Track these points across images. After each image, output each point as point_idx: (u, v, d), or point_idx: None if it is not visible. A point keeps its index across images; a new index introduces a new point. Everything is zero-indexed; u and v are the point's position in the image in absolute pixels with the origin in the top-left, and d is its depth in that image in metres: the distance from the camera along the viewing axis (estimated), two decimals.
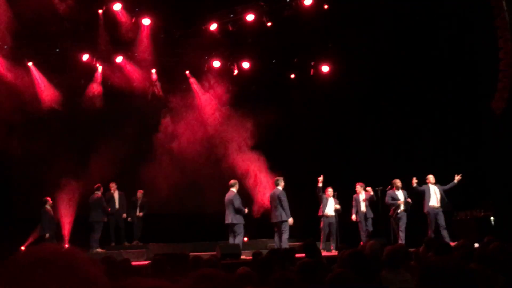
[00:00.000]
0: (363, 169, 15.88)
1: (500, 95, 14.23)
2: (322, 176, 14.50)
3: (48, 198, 14.45)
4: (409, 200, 14.17)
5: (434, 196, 13.99)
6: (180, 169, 16.25)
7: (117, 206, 15.54)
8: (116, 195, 15.59)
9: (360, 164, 16.14)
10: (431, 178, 14.10)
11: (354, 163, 16.26)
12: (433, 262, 2.64)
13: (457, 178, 13.80)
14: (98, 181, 15.07)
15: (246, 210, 13.57)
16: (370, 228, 14.72)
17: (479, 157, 14.70)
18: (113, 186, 15.54)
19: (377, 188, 14.84)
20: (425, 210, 14.01)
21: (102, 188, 15.05)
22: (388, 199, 14.24)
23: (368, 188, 14.85)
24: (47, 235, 14.12)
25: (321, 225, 14.85)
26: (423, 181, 14.31)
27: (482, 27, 14.60)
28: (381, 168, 15.25)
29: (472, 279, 2.56)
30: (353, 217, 14.82)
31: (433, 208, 13.91)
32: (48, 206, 14.32)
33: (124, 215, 15.66)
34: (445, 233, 13.65)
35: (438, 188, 14.04)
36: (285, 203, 13.29)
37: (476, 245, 8.38)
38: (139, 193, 16.20)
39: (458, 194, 14.06)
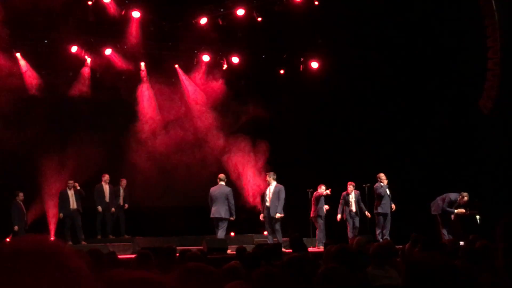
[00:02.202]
0: (352, 165, 15.93)
1: (487, 94, 14.30)
2: (330, 190, 14.61)
3: (20, 192, 14.27)
4: (393, 206, 14.34)
5: None
6: (166, 161, 16.22)
7: (107, 199, 15.42)
8: (107, 187, 15.45)
9: (349, 160, 16.18)
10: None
11: (343, 159, 16.29)
12: (419, 259, 2.65)
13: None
14: (84, 173, 15.00)
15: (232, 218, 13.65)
16: (357, 225, 14.79)
17: (466, 156, 14.77)
18: (105, 177, 15.35)
19: (364, 185, 14.90)
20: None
21: (72, 183, 14.72)
22: (381, 192, 14.31)
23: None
24: (16, 227, 13.95)
25: (319, 224, 14.77)
26: (412, 179, 14.36)
27: (470, 26, 14.65)
28: (369, 165, 15.30)
29: (457, 277, 2.57)
30: (338, 216, 14.87)
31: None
32: (18, 200, 14.17)
33: (113, 209, 15.50)
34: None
35: None
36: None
37: (462, 243, 8.43)
38: (123, 182, 15.95)
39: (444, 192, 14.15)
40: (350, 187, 14.84)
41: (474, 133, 14.73)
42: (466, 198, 13.75)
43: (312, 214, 14.86)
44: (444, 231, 13.73)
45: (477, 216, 13.99)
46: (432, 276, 2.46)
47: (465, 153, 14.76)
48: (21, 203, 14.21)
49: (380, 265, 5.48)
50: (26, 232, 13.99)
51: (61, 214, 14.48)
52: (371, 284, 5.12)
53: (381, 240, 13.25)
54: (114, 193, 15.58)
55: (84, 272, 1.15)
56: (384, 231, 14.25)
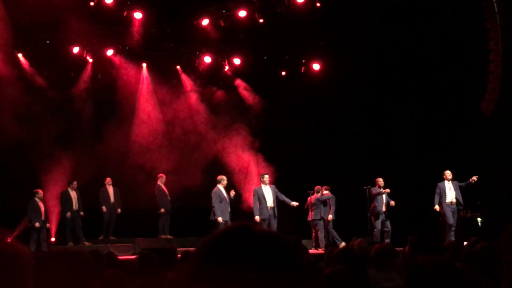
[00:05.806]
0: (352, 167, 15.92)
1: (490, 97, 14.31)
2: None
3: (39, 190, 14.30)
4: (392, 203, 14.22)
5: (450, 193, 13.66)
6: (167, 162, 16.21)
7: (112, 200, 15.44)
8: (111, 189, 15.47)
9: (350, 162, 16.17)
10: (448, 174, 13.72)
11: (344, 161, 16.28)
12: (420, 262, 2.64)
13: (473, 178, 13.35)
14: (85, 174, 15.00)
15: (220, 219, 13.49)
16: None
17: (468, 159, 14.76)
18: (107, 180, 15.40)
19: (365, 187, 14.87)
20: (441, 209, 13.65)
21: (75, 184, 14.83)
22: (374, 191, 14.28)
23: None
24: (37, 224, 13.96)
25: (319, 227, 14.73)
26: (407, 181, 14.32)
27: (473, 29, 14.66)
28: (370, 167, 15.29)
29: (458, 279, 2.56)
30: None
31: (450, 205, 13.59)
32: (37, 198, 14.17)
33: (119, 210, 15.47)
34: (452, 235, 13.30)
35: (454, 185, 13.68)
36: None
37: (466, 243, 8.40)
38: (163, 178, 15.60)
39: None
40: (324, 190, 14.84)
41: (476, 136, 14.72)
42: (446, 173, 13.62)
43: (310, 218, 14.78)
44: (449, 232, 13.48)
45: (478, 219, 13.97)
46: (432, 279, 2.46)
47: (467, 156, 14.75)
48: (39, 201, 14.17)
49: (381, 268, 5.48)
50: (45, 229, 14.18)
51: (69, 213, 14.57)
52: (373, 287, 5.11)
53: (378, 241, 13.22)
54: (117, 195, 15.53)
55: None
56: (385, 234, 14.18)
